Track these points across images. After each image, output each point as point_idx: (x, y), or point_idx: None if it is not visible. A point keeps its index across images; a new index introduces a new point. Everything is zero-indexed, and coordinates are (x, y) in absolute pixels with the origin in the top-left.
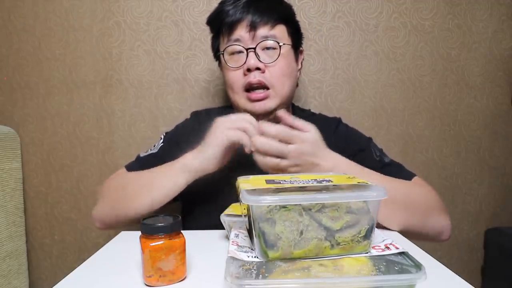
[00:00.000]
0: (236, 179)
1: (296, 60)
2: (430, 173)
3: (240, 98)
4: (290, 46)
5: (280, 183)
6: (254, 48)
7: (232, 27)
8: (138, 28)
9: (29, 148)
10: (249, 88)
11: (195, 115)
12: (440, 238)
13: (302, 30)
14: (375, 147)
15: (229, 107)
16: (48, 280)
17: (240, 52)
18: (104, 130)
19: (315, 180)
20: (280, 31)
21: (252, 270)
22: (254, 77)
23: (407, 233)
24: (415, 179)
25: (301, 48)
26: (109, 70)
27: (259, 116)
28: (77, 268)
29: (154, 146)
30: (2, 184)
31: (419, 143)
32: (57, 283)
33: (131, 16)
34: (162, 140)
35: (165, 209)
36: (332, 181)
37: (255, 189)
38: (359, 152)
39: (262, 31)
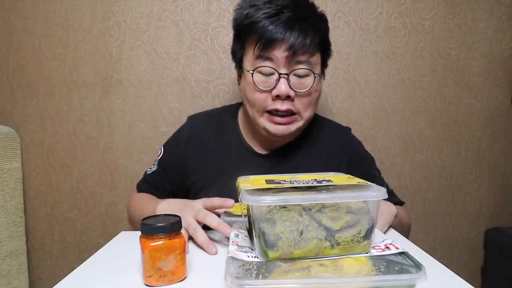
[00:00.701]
0: (236, 179)
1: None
2: (430, 173)
3: (260, 117)
4: (321, 74)
5: (280, 183)
6: (288, 74)
7: (268, 45)
8: (138, 28)
9: (29, 148)
10: (273, 110)
11: (191, 120)
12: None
13: None
14: (377, 171)
15: (233, 106)
16: (48, 280)
17: (271, 74)
18: (104, 130)
19: (315, 180)
20: (316, 59)
21: (252, 270)
22: (282, 105)
23: None
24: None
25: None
26: (109, 70)
27: (277, 137)
28: (77, 268)
29: (156, 160)
30: (2, 184)
31: (419, 143)
32: (57, 283)
33: (131, 16)
34: (161, 154)
35: None
36: (332, 181)
37: (255, 189)
38: (365, 173)
39: (300, 57)
